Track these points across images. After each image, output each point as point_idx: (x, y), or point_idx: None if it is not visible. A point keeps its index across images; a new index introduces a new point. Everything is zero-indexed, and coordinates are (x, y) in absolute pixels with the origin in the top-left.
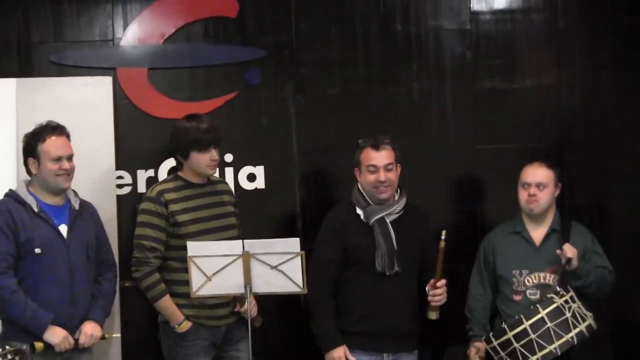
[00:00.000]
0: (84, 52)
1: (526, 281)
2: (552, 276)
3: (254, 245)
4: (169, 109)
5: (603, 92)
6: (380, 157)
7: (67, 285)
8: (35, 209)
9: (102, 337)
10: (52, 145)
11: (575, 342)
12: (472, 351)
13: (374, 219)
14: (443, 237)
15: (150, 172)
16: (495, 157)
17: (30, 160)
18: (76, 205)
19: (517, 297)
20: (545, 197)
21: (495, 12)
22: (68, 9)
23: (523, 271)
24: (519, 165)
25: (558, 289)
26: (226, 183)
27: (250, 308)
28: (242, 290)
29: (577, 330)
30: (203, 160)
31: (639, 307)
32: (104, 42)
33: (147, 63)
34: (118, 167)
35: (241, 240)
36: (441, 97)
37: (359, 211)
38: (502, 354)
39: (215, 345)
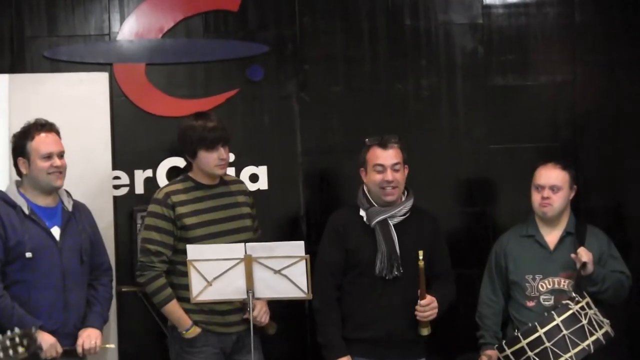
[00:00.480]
0: (79, 47)
1: (540, 286)
2: (567, 281)
3: (256, 248)
4: (167, 107)
5: (620, 89)
6: (387, 156)
7: (60, 291)
8: (26, 211)
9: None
10: (41, 142)
11: (592, 350)
12: None
13: (376, 220)
14: (421, 257)
15: (148, 173)
16: (507, 157)
17: (20, 160)
18: (69, 207)
19: (530, 303)
20: (559, 200)
21: (509, 6)
22: (62, 2)
23: (536, 276)
24: (532, 165)
25: (573, 294)
26: (242, 183)
27: (261, 315)
28: (244, 296)
29: (593, 337)
30: (211, 159)
31: None
32: (100, 36)
33: (144, 58)
34: (114, 167)
35: (243, 244)
36: (451, 95)
37: (362, 213)
38: None
39: (225, 353)
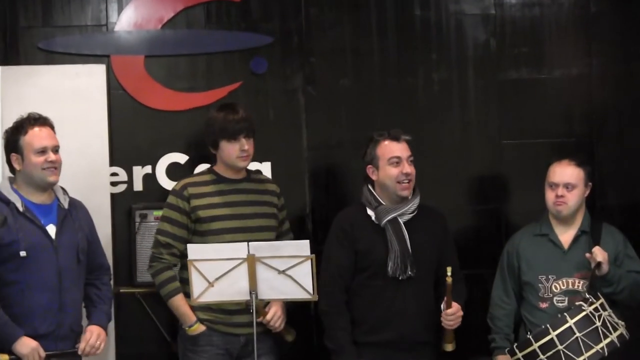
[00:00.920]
0: (75, 38)
1: (553, 287)
2: (582, 282)
3: (260, 247)
4: (167, 100)
5: (638, 82)
6: (402, 149)
7: (55, 291)
8: (20, 208)
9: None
10: (35, 136)
11: (606, 354)
12: None
13: (386, 219)
14: (449, 274)
15: (148, 169)
16: (520, 153)
17: (13, 156)
18: (65, 204)
19: (544, 305)
20: (573, 198)
21: None
22: None
23: (550, 277)
24: (546, 161)
25: (587, 295)
26: (272, 183)
27: (274, 319)
28: (247, 297)
29: (607, 340)
30: (232, 150)
31: None
32: (97, 27)
33: (143, 50)
34: (112, 164)
35: (246, 243)
36: (463, 89)
37: (369, 212)
38: None
39: (231, 355)
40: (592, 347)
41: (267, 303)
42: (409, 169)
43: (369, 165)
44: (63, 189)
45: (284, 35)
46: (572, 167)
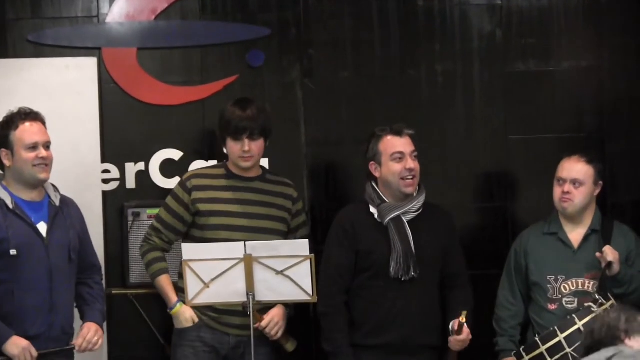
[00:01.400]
0: (65, 30)
1: (562, 288)
2: (592, 282)
3: (257, 247)
4: (161, 94)
5: None
6: (405, 144)
7: (46, 291)
8: (10, 205)
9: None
10: (25, 131)
11: None
12: None
13: (389, 217)
14: (464, 320)
15: (141, 166)
16: (528, 149)
17: (3, 152)
18: (56, 201)
19: (552, 306)
20: (580, 195)
21: None
22: None
23: (559, 277)
24: (555, 157)
25: (597, 297)
26: (289, 186)
27: (271, 327)
28: (243, 298)
29: None
30: (235, 149)
31: None
32: (88, 18)
33: (136, 42)
34: (104, 160)
35: (243, 242)
36: (467, 82)
37: (372, 210)
38: None
39: (219, 354)
40: None
41: (265, 308)
42: (412, 164)
43: (372, 162)
44: (54, 186)
45: (282, 27)
46: (581, 163)
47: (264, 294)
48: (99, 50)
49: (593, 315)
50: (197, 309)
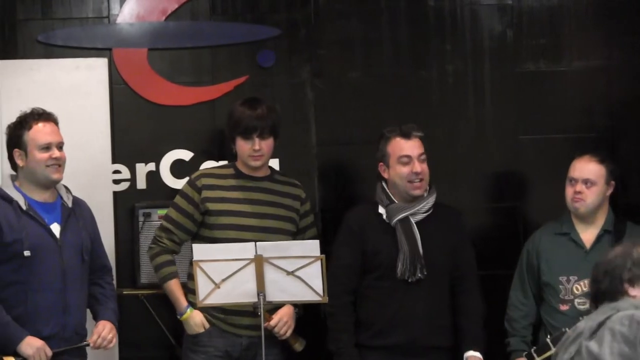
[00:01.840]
0: (76, 30)
1: (574, 289)
2: None
3: (268, 248)
4: (171, 95)
5: None
6: (412, 146)
7: (59, 292)
8: (24, 206)
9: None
10: (39, 132)
11: None
12: None
13: (397, 218)
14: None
15: (151, 166)
16: (538, 149)
17: (16, 152)
18: (69, 202)
19: (564, 307)
20: (592, 195)
21: None
22: None
23: (571, 277)
24: (566, 157)
25: None
26: (297, 187)
27: (279, 326)
28: (254, 299)
29: None
30: (245, 148)
31: None
32: (98, 19)
33: (146, 43)
34: (114, 161)
35: (253, 243)
36: (478, 82)
37: (381, 210)
38: None
39: (231, 357)
40: None
41: (274, 307)
42: (419, 168)
43: (380, 163)
44: (66, 187)
45: (292, 27)
46: (593, 163)
47: (274, 295)
48: (109, 50)
49: None
50: (206, 312)
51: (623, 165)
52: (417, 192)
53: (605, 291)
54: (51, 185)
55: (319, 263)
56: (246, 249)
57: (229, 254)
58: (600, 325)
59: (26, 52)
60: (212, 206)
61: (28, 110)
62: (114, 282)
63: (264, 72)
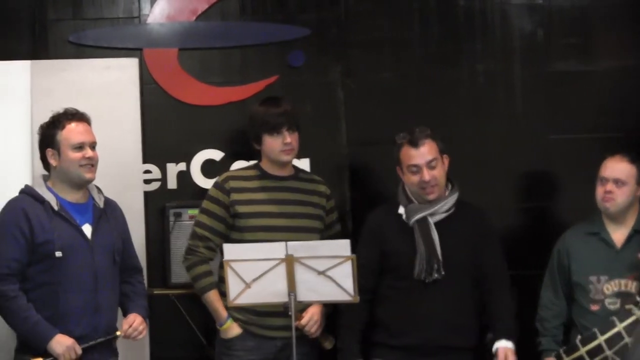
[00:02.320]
0: (106, 30)
1: (605, 289)
2: (635, 283)
3: (299, 248)
4: (201, 95)
5: None
6: (420, 155)
7: (91, 292)
8: (55, 207)
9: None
10: (72, 131)
11: None
12: None
13: (414, 219)
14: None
15: (182, 166)
16: (569, 149)
17: (49, 152)
18: (100, 203)
19: (594, 307)
20: (623, 195)
21: None
22: None
23: (601, 277)
24: (596, 157)
25: (638, 298)
26: (321, 184)
27: (310, 325)
28: (285, 299)
29: None
30: (275, 144)
31: None
32: (129, 19)
33: (177, 43)
34: (145, 160)
35: (284, 243)
36: (509, 81)
37: (400, 210)
38: None
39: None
40: None
41: (303, 307)
42: (427, 176)
43: (397, 166)
44: (98, 187)
45: (322, 27)
46: (624, 163)
47: (305, 294)
48: (140, 51)
49: (634, 318)
50: (241, 315)
51: None
52: (431, 197)
53: None
54: (84, 185)
55: (349, 263)
56: (277, 249)
57: (259, 253)
58: None
59: (57, 52)
60: (241, 209)
61: (61, 110)
62: (145, 282)
63: (293, 72)
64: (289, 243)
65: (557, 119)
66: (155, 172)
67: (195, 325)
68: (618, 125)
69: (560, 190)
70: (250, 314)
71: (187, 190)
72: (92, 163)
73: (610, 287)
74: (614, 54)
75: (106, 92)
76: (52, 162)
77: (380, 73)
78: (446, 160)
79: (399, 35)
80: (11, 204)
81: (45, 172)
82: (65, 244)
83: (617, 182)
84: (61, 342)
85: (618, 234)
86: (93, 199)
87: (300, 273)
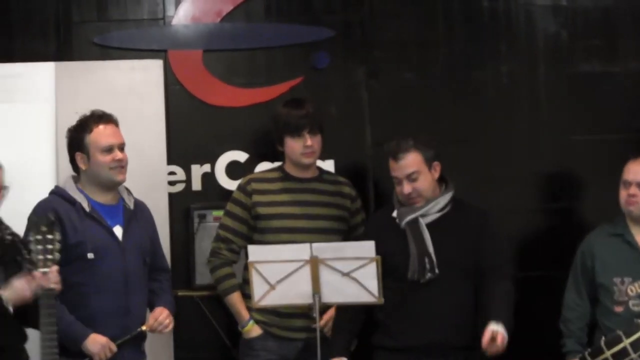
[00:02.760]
0: (131, 32)
1: (629, 290)
2: None
3: (323, 249)
4: (226, 96)
5: None
6: (399, 169)
7: (121, 294)
8: (87, 209)
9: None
10: (100, 134)
11: None
12: None
13: (405, 221)
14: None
15: (206, 167)
16: (592, 150)
17: (78, 155)
18: (131, 205)
19: (618, 309)
20: None
21: None
22: None
23: (625, 279)
24: (620, 158)
25: None
26: (346, 185)
27: (329, 326)
28: (309, 300)
29: None
30: (296, 146)
31: None
32: (154, 21)
33: (201, 44)
34: (170, 162)
35: (309, 244)
36: (533, 82)
37: (394, 213)
38: None
39: None
40: None
41: (322, 309)
42: (407, 189)
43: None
44: (127, 189)
45: (347, 28)
46: None
47: (329, 296)
48: (164, 52)
49: None
50: (262, 316)
51: None
52: (415, 206)
53: None
54: (115, 187)
55: (374, 264)
56: (301, 250)
57: (284, 255)
58: None
59: (82, 53)
60: (262, 210)
61: (88, 113)
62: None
63: (318, 73)
64: (314, 244)
65: (581, 120)
66: (180, 174)
67: (220, 326)
68: None
69: (584, 191)
70: (272, 315)
71: (212, 192)
72: (122, 165)
73: (634, 288)
74: (637, 54)
75: (131, 93)
76: (82, 165)
77: (405, 74)
78: (437, 168)
79: (423, 36)
80: (42, 205)
81: (74, 173)
82: (97, 246)
83: None
84: (96, 341)
85: None
86: (123, 200)
87: (325, 274)
